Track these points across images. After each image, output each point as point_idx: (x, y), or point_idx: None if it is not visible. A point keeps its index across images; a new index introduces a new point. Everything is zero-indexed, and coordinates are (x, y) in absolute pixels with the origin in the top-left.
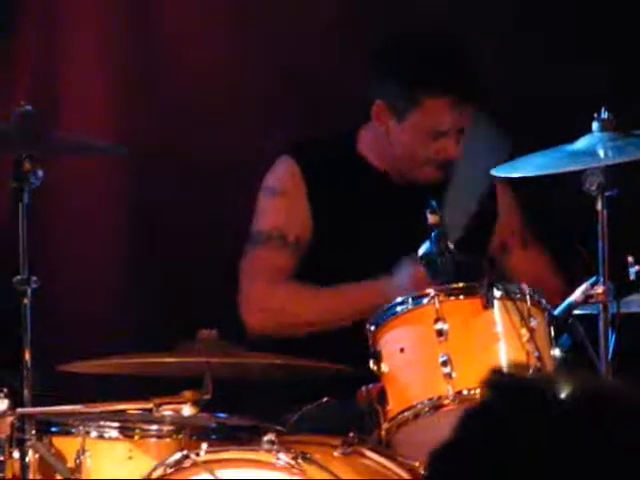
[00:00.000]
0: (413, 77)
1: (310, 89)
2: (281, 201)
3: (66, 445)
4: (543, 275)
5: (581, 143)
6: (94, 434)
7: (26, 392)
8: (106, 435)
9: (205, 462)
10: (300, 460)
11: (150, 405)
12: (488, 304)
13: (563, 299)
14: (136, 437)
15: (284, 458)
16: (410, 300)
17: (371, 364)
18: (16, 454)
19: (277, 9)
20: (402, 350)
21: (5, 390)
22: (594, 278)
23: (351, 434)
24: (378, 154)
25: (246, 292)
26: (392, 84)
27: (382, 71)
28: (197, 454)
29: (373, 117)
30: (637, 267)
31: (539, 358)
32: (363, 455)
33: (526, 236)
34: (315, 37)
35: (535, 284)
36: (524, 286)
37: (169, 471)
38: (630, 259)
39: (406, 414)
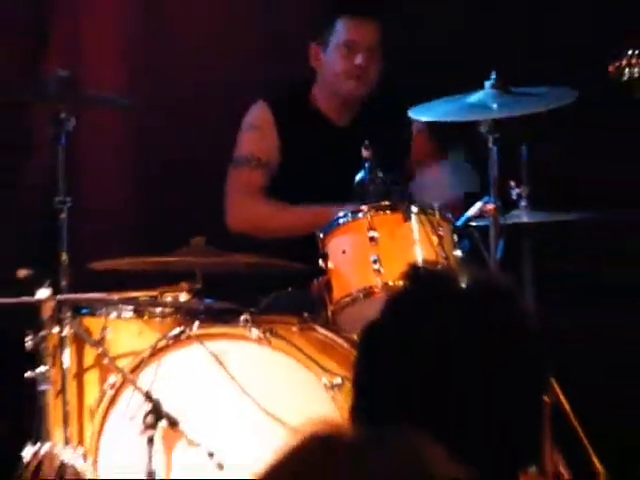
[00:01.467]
0: (332, 6)
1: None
2: (257, 133)
3: (92, 323)
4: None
5: (476, 97)
6: (113, 315)
7: (63, 283)
8: (122, 316)
9: (197, 336)
10: (267, 334)
11: (156, 293)
12: (407, 217)
13: (463, 214)
14: (145, 317)
15: (255, 332)
16: (349, 214)
17: (320, 262)
18: (55, 329)
19: None
20: (344, 252)
21: (48, 282)
22: (487, 198)
23: (305, 314)
24: (322, 99)
25: (231, 204)
26: (322, 20)
27: (321, 15)
28: (190, 329)
29: (311, 60)
30: (517, 189)
31: (445, 258)
32: (315, 330)
33: (435, 154)
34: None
35: None
36: (435, 204)
37: (170, 342)
38: (512, 183)
39: (346, 299)
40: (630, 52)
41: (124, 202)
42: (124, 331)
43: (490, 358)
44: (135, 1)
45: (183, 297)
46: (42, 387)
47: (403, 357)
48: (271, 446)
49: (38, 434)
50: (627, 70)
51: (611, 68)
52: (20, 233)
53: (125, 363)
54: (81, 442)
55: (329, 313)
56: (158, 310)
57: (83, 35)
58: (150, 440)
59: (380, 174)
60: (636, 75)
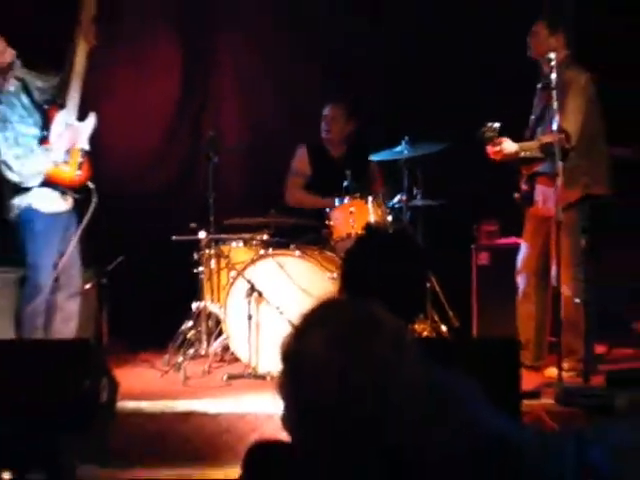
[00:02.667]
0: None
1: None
2: (299, 161)
3: (224, 248)
4: (382, 192)
5: (398, 148)
6: (234, 244)
7: (211, 229)
8: (237, 245)
9: (271, 254)
10: (303, 254)
11: (254, 234)
12: (366, 202)
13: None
14: (247, 245)
15: (298, 252)
16: (341, 200)
17: (327, 222)
18: (207, 251)
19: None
20: (337, 218)
21: (204, 229)
22: (402, 193)
23: (320, 245)
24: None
25: (288, 194)
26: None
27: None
28: (268, 251)
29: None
30: (416, 189)
31: (384, 221)
32: (325, 252)
33: (384, 179)
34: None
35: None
36: (381, 195)
37: (259, 257)
38: (414, 187)
39: (338, 239)
40: (489, 124)
41: (240, 193)
42: (238, 252)
43: (403, 263)
44: (238, 92)
45: (265, 236)
46: (201, 276)
47: (362, 265)
48: (304, 305)
49: (199, 297)
50: (484, 132)
51: (481, 131)
52: (191, 208)
53: (239, 267)
54: (219, 301)
55: (332, 244)
56: (254, 242)
57: (220, 112)
58: (249, 302)
59: (355, 183)
60: (487, 135)
